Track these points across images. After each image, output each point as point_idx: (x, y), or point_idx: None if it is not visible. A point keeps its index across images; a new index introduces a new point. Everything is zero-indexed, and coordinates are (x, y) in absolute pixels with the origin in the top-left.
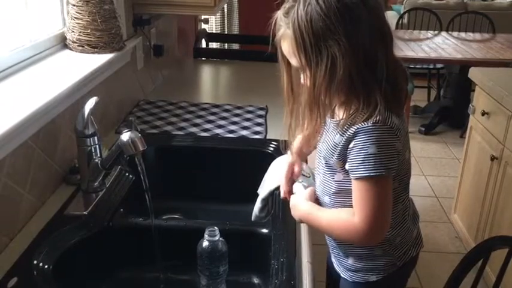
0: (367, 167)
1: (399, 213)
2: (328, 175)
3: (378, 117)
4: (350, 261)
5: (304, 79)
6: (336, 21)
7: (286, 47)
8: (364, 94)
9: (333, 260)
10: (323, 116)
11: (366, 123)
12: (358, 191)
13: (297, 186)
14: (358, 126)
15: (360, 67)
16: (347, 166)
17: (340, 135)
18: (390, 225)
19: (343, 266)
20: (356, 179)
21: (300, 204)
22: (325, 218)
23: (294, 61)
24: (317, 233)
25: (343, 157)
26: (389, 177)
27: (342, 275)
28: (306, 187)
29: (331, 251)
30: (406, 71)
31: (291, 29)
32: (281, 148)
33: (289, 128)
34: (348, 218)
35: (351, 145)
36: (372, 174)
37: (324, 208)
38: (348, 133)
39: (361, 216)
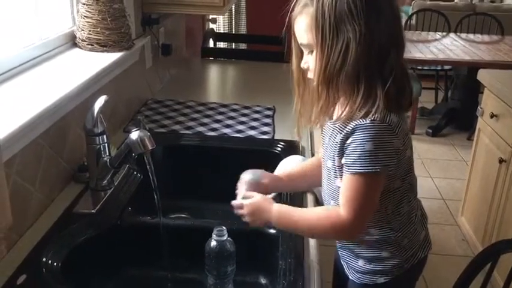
0: (362, 163)
1: (405, 214)
2: (332, 179)
3: (375, 115)
4: (360, 263)
5: (314, 60)
6: (360, 7)
7: (302, 23)
8: (366, 89)
9: (342, 262)
10: (332, 99)
11: (363, 120)
12: (350, 185)
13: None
14: (356, 122)
15: (371, 61)
16: (343, 160)
17: (339, 132)
18: (395, 227)
19: (352, 268)
20: (351, 173)
21: (265, 205)
22: (306, 214)
23: (306, 38)
24: None
25: (342, 153)
26: (383, 175)
27: (350, 277)
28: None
29: (340, 253)
30: (411, 82)
31: (314, 5)
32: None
33: (299, 114)
34: (332, 212)
35: (349, 141)
36: (367, 170)
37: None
38: (346, 130)
39: (348, 210)
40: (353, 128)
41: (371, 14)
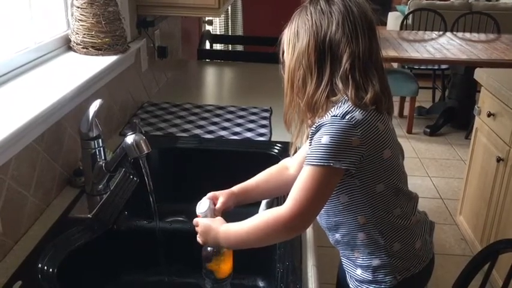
0: (316, 156)
1: (395, 218)
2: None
3: (337, 111)
4: (358, 271)
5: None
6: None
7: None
8: (326, 84)
9: (345, 270)
10: (296, 99)
11: (326, 118)
12: (300, 177)
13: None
14: (321, 120)
15: (324, 55)
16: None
17: (311, 135)
18: (383, 231)
19: (352, 277)
20: (305, 165)
21: (214, 225)
22: (252, 220)
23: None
24: (323, 236)
25: None
26: (338, 170)
27: (350, 285)
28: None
29: (342, 262)
30: (385, 82)
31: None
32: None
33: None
34: (274, 209)
35: (314, 138)
36: (319, 163)
37: None
38: (313, 129)
39: (291, 201)
40: (317, 126)
41: (321, 13)
